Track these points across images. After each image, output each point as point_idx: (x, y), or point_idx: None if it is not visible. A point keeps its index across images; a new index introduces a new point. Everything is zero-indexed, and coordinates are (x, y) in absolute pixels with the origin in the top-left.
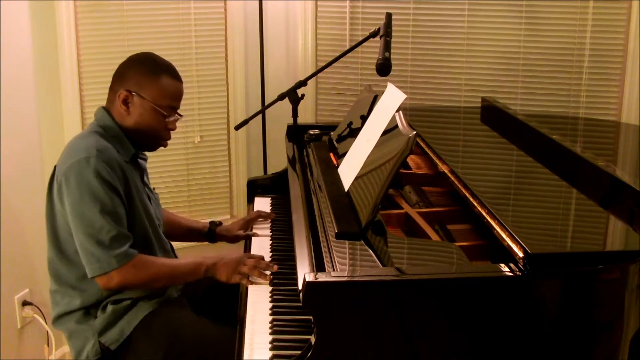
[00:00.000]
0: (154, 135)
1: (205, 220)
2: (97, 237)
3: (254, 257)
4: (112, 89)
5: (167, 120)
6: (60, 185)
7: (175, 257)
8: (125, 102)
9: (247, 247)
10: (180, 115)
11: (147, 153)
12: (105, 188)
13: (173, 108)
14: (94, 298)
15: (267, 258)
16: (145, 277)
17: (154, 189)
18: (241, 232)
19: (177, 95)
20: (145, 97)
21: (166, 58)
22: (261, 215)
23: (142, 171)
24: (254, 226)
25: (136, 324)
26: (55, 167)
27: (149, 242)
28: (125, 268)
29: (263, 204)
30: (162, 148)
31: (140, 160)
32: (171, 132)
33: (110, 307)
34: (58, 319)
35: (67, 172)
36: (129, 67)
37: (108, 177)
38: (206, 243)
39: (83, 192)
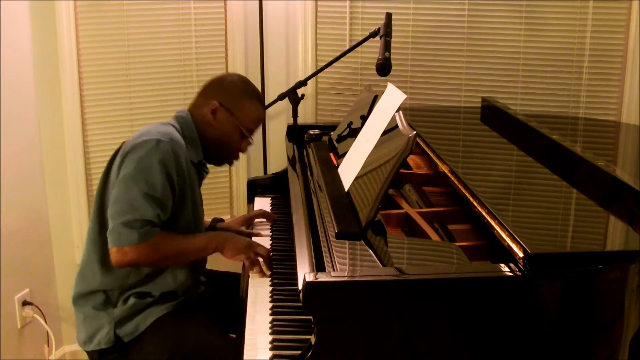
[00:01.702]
0: (227, 152)
1: (206, 220)
2: (130, 216)
3: (263, 248)
4: (202, 96)
5: (243, 142)
6: (124, 156)
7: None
8: (214, 112)
9: None
10: (252, 142)
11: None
12: (162, 175)
13: (251, 132)
14: (115, 284)
15: None
16: (159, 257)
17: None
18: (243, 229)
19: (259, 122)
20: (234, 113)
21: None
22: (263, 214)
23: (201, 179)
24: (255, 226)
25: (150, 322)
26: (123, 143)
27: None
28: (142, 246)
29: (263, 204)
30: None
31: (202, 172)
32: (240, 154)
33: (132, 300)
34: (78, 299)
35: (134, 147)
36: (227, 82)
37: (169, 165)
38: None
39: (140, 170)
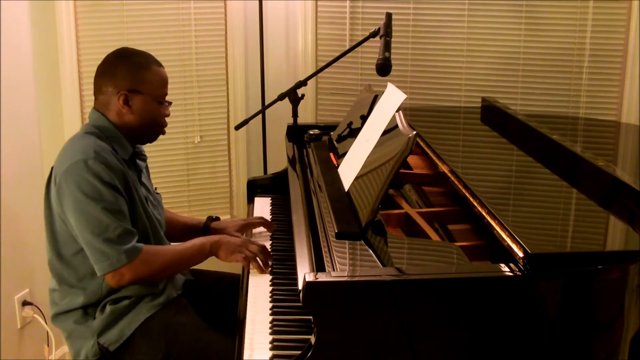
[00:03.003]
0: (155, 127)
1: (200, 218)
2: (104, 235)
3: (256, 243)
4: (102, 91)
5: (163, 108)
6: (59, 188)
7: None
8: (126, 102)
9: None
10: (170, 102)
11: (146, 153)
12: (107, 187)
13: (165, 95)
14: (94, 297)
15: None
16: (156, 269)
17: (155, 189)
18: (238, 235)
19: (166, 82)
20: (144, 92)
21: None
22: (263, 223)
23: (139, 172)
24: (254, 231)
25: (136, 325)
26: (52, 168)
27: (148, 242)
28: (135, 263)
29: (263, 204)
30: (161, 148)
31: (138, 161)
32: (166, 119)
33: (109, 308)
34: (57, 316)
35: (65, 175)
36: (116, 66)
37: (107, 178)
38: None
39: (85, 194)
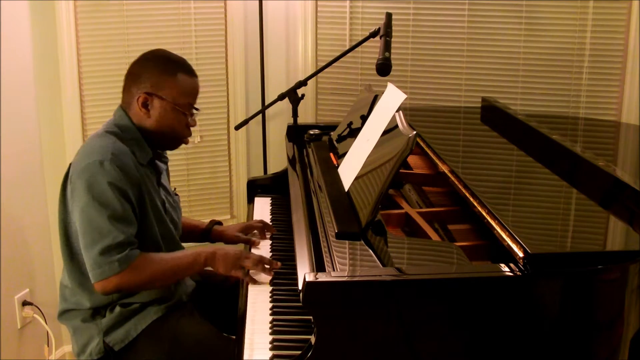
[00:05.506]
0: (176, 135)
1: (204, 220)
2: (103, 243)
3: (252, 256)
4: (128, 91)
5: (187, 118)
6: (73, 185)
7: None
8: (145, 104)
9: (248, 249)
10: (198, 110)
11: (167, 154)
12: (117, 193)
13: (191, 105)
14: (104, 300)
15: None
16: (144, 278)
17: (174, 189)
18: (241, 235)
19: (195, 92)
20: (164, 97)
21: None
22: (264, 225)
23: (159, 174)
24: (253, 235)
25: (143, 327)
26: (70, 164)
27: (159, 248)
28: (126, 271)
29: (263, 204)
30: None
31: (159, 163)
32: (191, 128)
33: (118, 309)
34: (64, 313)
35: (80, 174)
36: (144, 67)
37: (119, 183)
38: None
39: (94, 196)
